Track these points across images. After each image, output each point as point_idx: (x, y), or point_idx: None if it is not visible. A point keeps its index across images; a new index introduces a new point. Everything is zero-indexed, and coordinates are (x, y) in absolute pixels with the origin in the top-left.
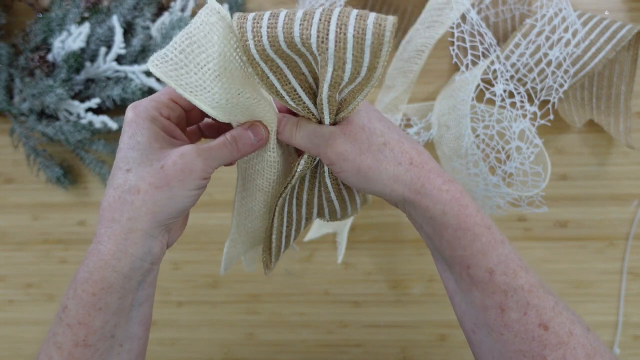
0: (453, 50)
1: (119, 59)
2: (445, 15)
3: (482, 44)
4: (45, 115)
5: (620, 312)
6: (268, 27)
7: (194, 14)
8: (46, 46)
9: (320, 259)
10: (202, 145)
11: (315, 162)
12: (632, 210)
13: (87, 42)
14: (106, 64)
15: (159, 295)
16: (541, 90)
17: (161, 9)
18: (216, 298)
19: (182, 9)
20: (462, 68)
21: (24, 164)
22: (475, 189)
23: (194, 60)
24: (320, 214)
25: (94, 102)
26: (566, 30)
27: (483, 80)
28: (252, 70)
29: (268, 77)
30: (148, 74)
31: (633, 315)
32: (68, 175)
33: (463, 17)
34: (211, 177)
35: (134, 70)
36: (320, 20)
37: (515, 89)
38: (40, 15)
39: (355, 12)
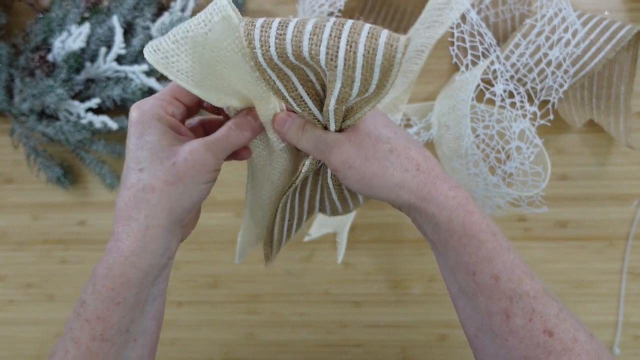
0: (453, 50)
1: (119, 59)
2: (445, 15)
3: (482, 44)
4: (45, 115)
5: (620, 312)
6: (276, 38)
7: (194, 14)
8: (46, 46)
9: (320, 259)
10: (208, 138)
11: (320, 164)
12: (632, 210)
13: (87, 42)
14: (106, 64)
15: None
16: (541, 90)
17: (161, 9)
18: (216, 298)
19: (182, 9)
20: (462, 68)
21: (24, 164)
22: (475, 189)
23: (186, 51)
24: (322, 210)
25: (94, 102)
26: (566, 30)
27: (483, 80)
28: (258, 74)
29: (275, 83)
30: (148, 74)
31: (633, 315)
32: (68, 175)
33: (463, 17)
34: None
35: (134, 71)
36: (330, 35)
37: (515, 89)
38: (41, 16)
39: (367, 28)
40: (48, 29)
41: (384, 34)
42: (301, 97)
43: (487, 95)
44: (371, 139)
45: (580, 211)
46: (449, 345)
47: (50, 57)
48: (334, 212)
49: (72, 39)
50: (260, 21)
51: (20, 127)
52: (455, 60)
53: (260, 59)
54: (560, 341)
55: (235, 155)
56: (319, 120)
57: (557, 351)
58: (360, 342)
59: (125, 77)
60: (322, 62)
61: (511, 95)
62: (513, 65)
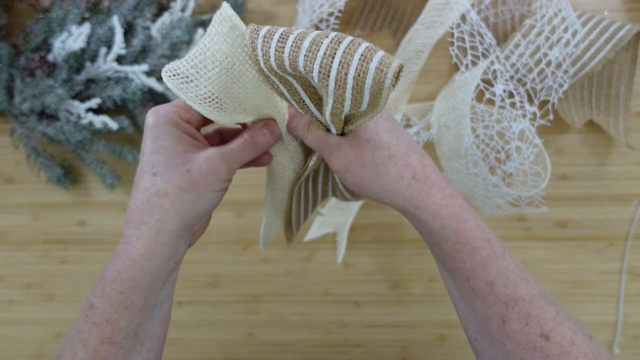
0: (453, 50)
1: (120, 59)
2: (445, 15)
3: (481, 44)
4: (45, 115)
5: (620, 312)
6: (276, 51)
7: (194, 14)
8: (47, 46)
9: (320, 259)
10: (223, 148)
11: None
12: (632, 210)
13: (88, 43)
14: (106, 64)
15: None
16: (541, 90)
17: (161, 9)
18: (216, 298)
19: (183, 9)
20: (462, 68)
21: (25, 164)
22: (475, 189)
23: (205, 75)
24: (334, 195)
25: (94, 102)
26: (566, 30)
27: (483, 80)
28: (262, 78)
29: (278, 87)
30: (148, 74)
31: (633, 315)
32: (68, 175)
33: (463, 18)
34: None
35: (134, 71)
36: (325, 54)
37: (515, 89)
38: (41, 16)
39: (361, 50)
40: (48, 29)
41: (377, 57)
42: (303, 102)
43: (487, 95)
44: (370, 145)
45: (580, 211)
46: (449, 345)
47: (50, 57)
48: (344, 199)
49: (72, 39)
50: (264, 30)
51: (20, 127)
52: (455, 60)
53: (262, 66)
54: (557, 345)
55: (255, 162)
56: (321, 123)
57: (554, 355)
58: (360, 342)
59: (126, 77)
60: (315, 79)
61: (511, 95)
62: (513, 65)
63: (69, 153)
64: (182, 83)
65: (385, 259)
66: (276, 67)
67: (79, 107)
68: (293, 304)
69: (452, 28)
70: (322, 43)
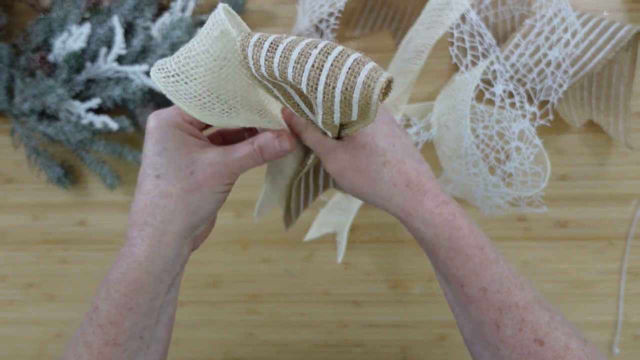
0: (453, 50)
1: (120, 59)
2: (445, 15)
3: (481, 44)
4: (46, 115)
5: (620, 312)
6: (266, 60)
7: (194, 14)
8: (47, 46)
9: (320, 259)
10: (229, 155)
11: None
12: (632, 210)
13: (88, 43)
14: (107, 64)
15: None
16: (540, 90)
17: (161, 9)
18: (216, 298)
19: (183, 9)
20: (462, 68)
21: (25, 164)
22: (475, 189)
23: (187, 72)
24: (335, 186)
25: (94, 103)
26: (565, 30)
27: (483, 80)
28: (256, 82)
29: (272, 91)
30: (148, 74)
31: (632, 315)
32: (69, 176)
33: (463, 18)
34: None
35: (134, 71)
36: (312, 66)
37: (515, 89)
38: (41, 16)
39: (349, 62)
40: (49, 29)
41: (364, 71)
42: (298, 105)
43: (487, 95)
44: (366, 151)
45: (580, 211)
46: (449, 345)
47: (50, 57)
48: (345, 192)
49: (72, 39)
50: (254, 38)
51: (21, 127)
52: (455, 60)
53: (254, 73)
54: (552, 350)
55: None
56: (318, 126)
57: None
58: (360, 342)
59: (126, 78)
60: (304, 91)
61: (511, 95)
62: (512, 65)
63: (69, 153)
64: (164, 77)
65: (385, 259)
66: (267, 76)
67: (79, 107)
68: (293, 304)
69: (452, 28)
70: (310, 54)
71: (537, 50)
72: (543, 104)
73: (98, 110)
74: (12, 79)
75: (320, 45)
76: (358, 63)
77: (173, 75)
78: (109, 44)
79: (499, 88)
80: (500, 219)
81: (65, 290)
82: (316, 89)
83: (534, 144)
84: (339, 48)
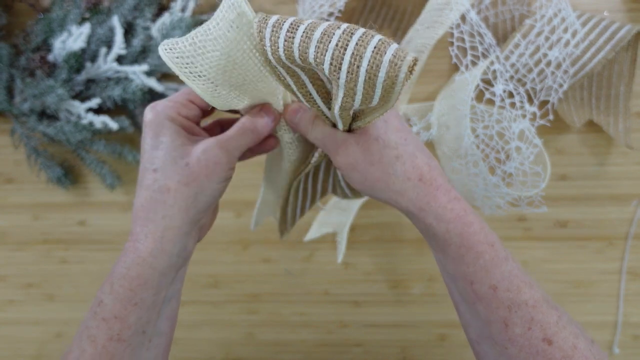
0: (453, 50)
1: (120, 59)
2: (445, 15)
3: (481, 44)
4: (46, 115)
5: (620, 312)
6: (285, 41)
7: (194, 14)
8: (47, 46)
9: (320, 259)
10: (221, 137)
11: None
12: (632, 210)
13: (88, 43)
14: (107, 64)
15: None
16: (540, 90)
17: (161, 9)
18: (217, 298)
19: (183, 9)
20: (462, 68)
21: (25, 164)
22: (475, 189)
23: (203, 55)
24: (334, 192)
25: (94, 103)
26: (565, 30)
27: (483, 80)
28: (269, 69)
29: (284, 79)
30: (148, 74)
31: (632, 315)
32: (69, 175)
33: (463, 18)
34: None
35: (134, 71)
36: (337, 45)
37: (515, 89)
38: (41, 16)
39: (374, 42)
40: (49, 29)
41: (391, 50)
42: (310, 95)
43: (487, 95)
44: (379, 144)
45: (580, 211)
46: (449, 345)
47: (50, 57)
48: (345, 196)
49: (72, 39)
50: (272, 20)
51: (21, 127)
52: (455, 60)
53: (270, 56)
54: (560, 349)
55: (260, 147)
56: (328, 118)
57: (556, 359)
58: (360, 342)
59: (126, 77)
60: (326, 72)
61: (511, 95)
62: (512, 65)
63: (69, 153)
64: (177, 57)
65: (385, 259)
66: (284, 58)
67: (79, 107)
68: (293, 304)
69: (452, 28)
70: (333, 34)
71: (537, 50)
72: (543, 104)
73: (98, 110)
74: (12, 79)
75: (343, 27)
76: (383, 43)
77: (187, 57)
78: (109, 44)
79: (499, 88)
80: (500, 219)
81: (65, 290)
82: (340, 68)
83: (534, 144)
84: (363, 29)
